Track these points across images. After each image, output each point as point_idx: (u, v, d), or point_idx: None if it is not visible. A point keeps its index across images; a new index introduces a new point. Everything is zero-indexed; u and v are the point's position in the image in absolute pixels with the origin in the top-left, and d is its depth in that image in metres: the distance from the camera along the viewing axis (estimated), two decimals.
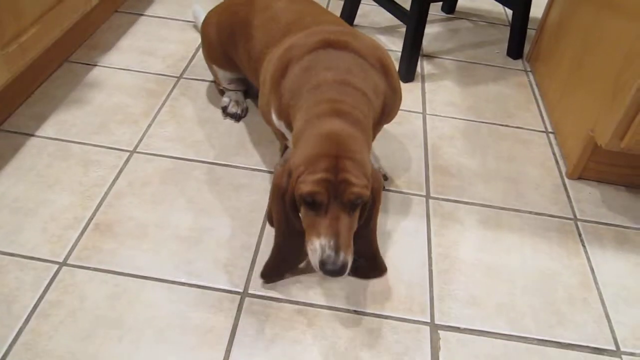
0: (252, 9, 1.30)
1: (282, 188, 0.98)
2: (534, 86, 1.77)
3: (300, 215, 1.00)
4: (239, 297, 1.06)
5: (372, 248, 1.09)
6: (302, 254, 1.02)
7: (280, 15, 1.25)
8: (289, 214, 1.00)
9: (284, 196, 0.99)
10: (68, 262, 1.08)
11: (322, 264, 0.93)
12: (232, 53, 1.38)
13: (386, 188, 1.32)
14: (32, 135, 1.36)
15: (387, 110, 1.16)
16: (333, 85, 1.04)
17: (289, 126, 1.11)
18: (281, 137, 1.23)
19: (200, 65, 1.65)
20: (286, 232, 1.02)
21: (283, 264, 1.09)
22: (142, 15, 1.90)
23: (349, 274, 1.03)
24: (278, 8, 1.27)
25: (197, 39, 1.79)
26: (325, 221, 0.94)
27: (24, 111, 1.43)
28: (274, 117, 1.15)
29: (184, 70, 1.65)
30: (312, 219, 0.95)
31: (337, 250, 0.92)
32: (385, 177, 1.35)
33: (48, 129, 1.39)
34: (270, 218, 1.09)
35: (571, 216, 1.32)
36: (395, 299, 1.09)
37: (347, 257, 0.93)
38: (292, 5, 1.28)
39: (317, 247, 0.94)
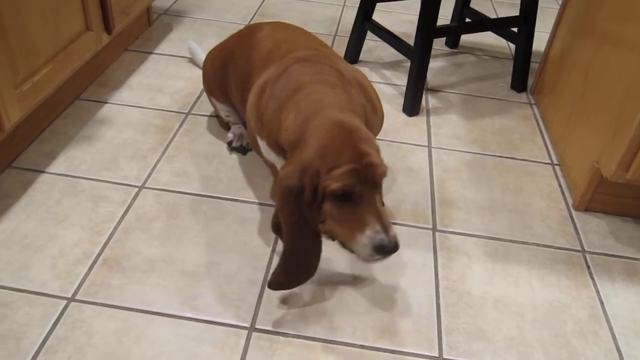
0: (239, 41, 1.36)
1: (296, 188, 0.95)
2: (539, 118, 1.79)
3: (325, 211, 0.97)
4: (246, 332, 1.06)
5: None
6: (316, 259, 1.02)
7: (261, 43, 1.28)
8: (306, 214, 0.97)
9: (299, 196, 0.96)
10: (76, 297, 1.09)
11: (380, 248, 0.94)
12: (225, 85, 1.43)
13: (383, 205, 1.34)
14: (43, 171, 1.39)
15: (368, 124, 1.13)
16: (314, 84, 1.06)
17: (275, 146, 1.11)
18: (272, 168, 1.24)
19: (207, 102, 1.68)
20: (299, 235, 0.99)
21: (296, 271, 1.03)
22: (151, 53, 1.95)
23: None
24: (260, 36, 1.30)
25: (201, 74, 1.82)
26: (364, 210, 0.95)
27: (35, 148, 1.46)
28: (259, 141, 1.16)
29: (192, 106, 1.68)
30: (346, 213, 0.95)
31: (386, 230, 0.94)
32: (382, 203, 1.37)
33: (58, 165, 1.41)
34: (276, 226, 1.04)
35: (579, 248, 1.32)
36: (402, 333, 1.08)
37: (396, 233, 0.95)
38: (274, 33, 1.31)
39: (365, 238, 0.95)
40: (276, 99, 1.09)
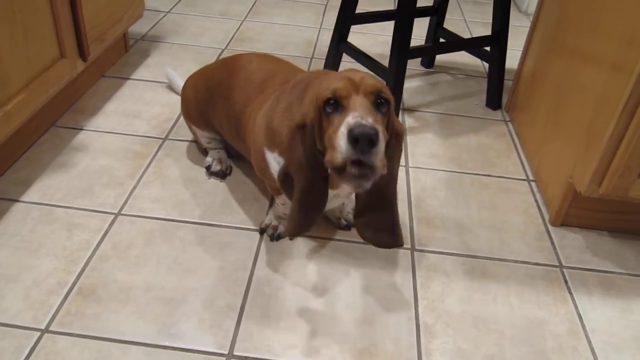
0: (228, 73, 1.37)
1: (301, 124, 1.01)
2: (514, 135, 1.81)
3: (324, 130, 0.97)
4: (224, 359, 1.04)
5: (391, 195, 1.06)
6: (325, 198, 1.04)
7: (254, 74, 1.31)
8: (313, 151, 1.00)
9: (304, 132, 1.00)
10: (50, 328, 1.07)
11: (351, 130, 0.88)
12: (209, 114, 1.43)
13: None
14: (17, 200, 1.37)
15: None
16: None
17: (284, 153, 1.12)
18: (275, 189, 1.23)
19: (185, 126, 1.68)
20: (308, 172, 1.01)
21: (309, 210, 1.05)
22: (128, 79, 1.94)
23: (362, 234, 1.07)
24: (252, 69, 1.33)
25: (179, 100, 1.82)
26: (349, 108, 0.93)
27: (10, 177, 1.44)
28: (268, 155, 1.15)
29: (169, 132, 1.68)
30: (335, 118, 0.94)
31: (364, 117, 0.89)
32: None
33: (32, 194, 1.39)
34: (283, 176, 1.06)
35: (556, 263, 1.33)
36: (382, 355, 1.07)
37: (377, 126, 0.90)
38: (264, 65, 1.35)
39: (343, 130, 0.90)
40: (287, 104, 1.12)
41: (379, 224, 1.07)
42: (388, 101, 0.98)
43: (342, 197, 1.21)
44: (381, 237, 1.08)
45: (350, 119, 0.90)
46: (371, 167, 0.90)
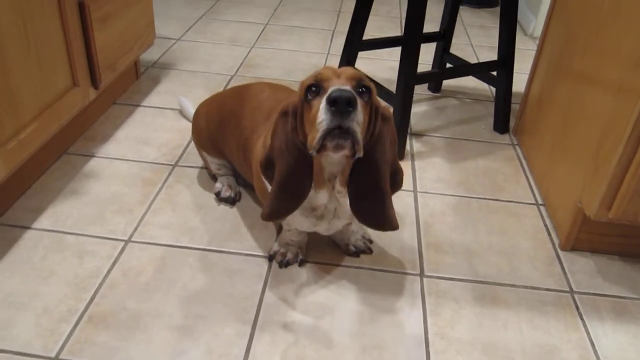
0: (240, 100, 1.39)
1: (285, 111, 1.05)
2: (522, 159, 1.81)
3: (306, 117, 1.00)
4: None
5: (383, 181, 1.07)
6: (308, 182, 1.06)
7: (264, 103, 1.34)
8: (294, 137, 1.03)
9: (287, 118, 1.04)
10: (60, 357, 1.07)
11: (330, 95, 0.91)
12: (220, 141, 1.45)
13: (372, 252, 1.38)
14: (29, 227, 1.38)
15: None
16: None
17: None
18: None
19: (195, 153, 1.70)
20: (288, 156, 1.04)
21: (288, 196, 1.07)
22: (138, 106, 1.97)
23: (357, 218, 1.08)
24: (263, 98, 1.36)
25: (190, 127, 1.84)
26: (329, 87, 0.96)
27: (22, 204, 1.46)
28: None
29: (179, 158, 1.69)
30: (316, 102, 0.97)
31: (342, 86, 0.93)
32: (370, 241, 1.39)
33: (44, 221, 1.41)
34: (266, 162, 1.09)
35: (567, 289, 1.32)
36: None
37: (356, 96, 0.93)
38: (276, 94, 1.37)
39: (323, 102, 0.93)
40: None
41: (372, 210, 1.09)
42: (369, 89, 1.01)
43: (344, 219, 1.21)
44: (375, 220, 1.10)
45: (330, 90, 0.93)
46: (351, 133, 0.93)
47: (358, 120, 0.94)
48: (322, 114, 0.93)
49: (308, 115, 0.99)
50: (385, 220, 1.09)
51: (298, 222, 1.20)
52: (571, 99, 1.51)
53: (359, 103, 0.95)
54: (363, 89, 1.00)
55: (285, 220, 1.23)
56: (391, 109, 1.74)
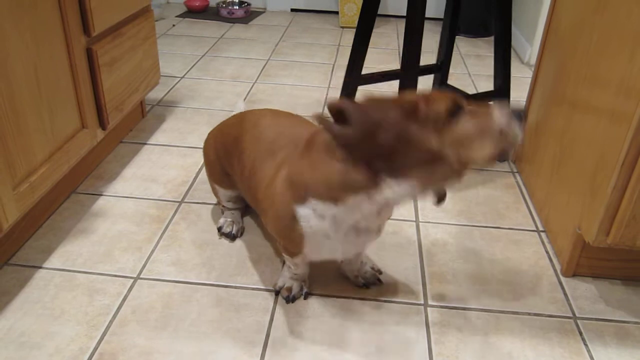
0: (242, 128, 1.37)
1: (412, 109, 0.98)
2: (522, 186, 1.84)
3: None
4: None
5: None
6: None
7: (264, 133, 1.31)
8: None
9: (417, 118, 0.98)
10: None
11: (514, 111, 0.98)
12: (229, 170, 1.44)
13: (382, 282, 1.41)
14: (40, 267, 1.41)
15: None
16: None
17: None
18: (289, 252, 1.25)
19: (200, 189, 1.74)
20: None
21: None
22: (145, 144, 2.02)
23: None
24: (263, 126, 1.33)
25: (196, 163, 1.89)
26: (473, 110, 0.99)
27: (32, 244, 1.49)
28: (300, 211, 1.10)
29: (185, 195, 1.73)
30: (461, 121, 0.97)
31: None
32: (380, 272, 1.41)
33: (54, 260, 1.44)
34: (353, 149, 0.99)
35: (570, 315, 1.33)
36: None
37: None
38: (276, 120, 1.35)
39: (501, 116, 0.98)
40: (310, 160, 1.10)
41: None
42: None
43: (371, 240, 1.18)
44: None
45: (501, 110, 0.99)
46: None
47: None
48: (507, 123, 1.00)
49: (449, 134, 0.99)
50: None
51: (323, 247, 1.15)
52: (567, 126, 1.55)
53: None
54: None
55: (291, 257, 1.25)
56: None
